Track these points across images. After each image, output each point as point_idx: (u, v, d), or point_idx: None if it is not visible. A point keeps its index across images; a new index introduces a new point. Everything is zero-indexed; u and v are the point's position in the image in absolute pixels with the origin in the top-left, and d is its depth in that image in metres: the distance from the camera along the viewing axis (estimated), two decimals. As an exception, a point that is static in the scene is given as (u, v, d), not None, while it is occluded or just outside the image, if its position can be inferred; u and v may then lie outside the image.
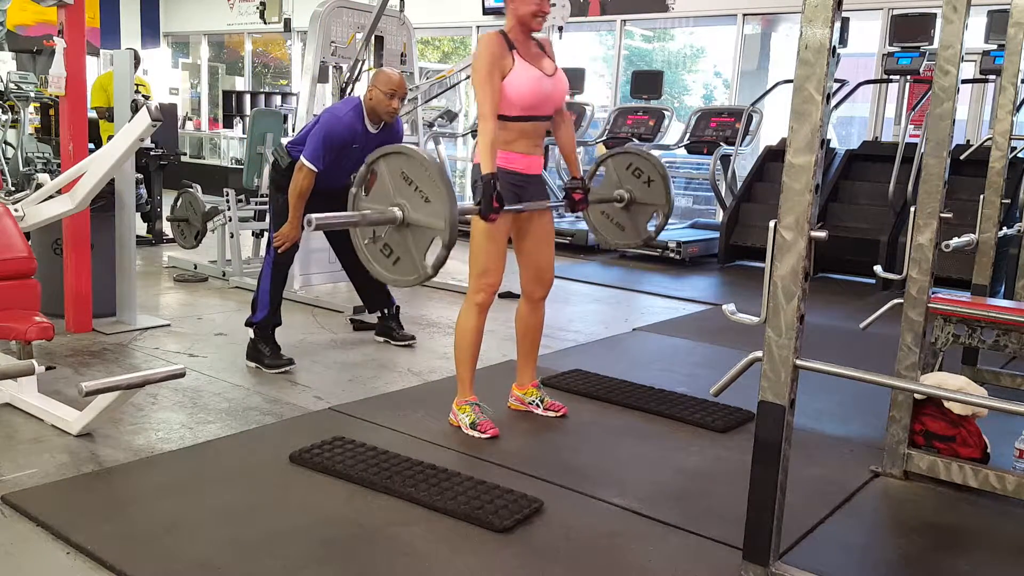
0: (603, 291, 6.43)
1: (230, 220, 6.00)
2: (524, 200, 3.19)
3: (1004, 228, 4.30)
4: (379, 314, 4.60)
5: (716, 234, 7.95)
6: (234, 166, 11.22)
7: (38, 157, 7.58)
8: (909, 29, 7.30)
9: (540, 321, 3.44)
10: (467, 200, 3.22)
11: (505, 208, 2.96)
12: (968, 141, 7.40)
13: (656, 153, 8.92)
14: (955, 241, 3.77)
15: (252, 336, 4.03)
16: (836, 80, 3.75)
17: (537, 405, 3.47)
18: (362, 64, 5.50)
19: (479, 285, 3.18)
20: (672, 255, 7.57)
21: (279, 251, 3.96)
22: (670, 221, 9.94)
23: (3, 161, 7.51)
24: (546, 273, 3.37)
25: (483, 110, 3.03)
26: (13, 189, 6.80)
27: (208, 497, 2.64)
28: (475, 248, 3.16)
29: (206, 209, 6.01)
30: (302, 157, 3.83)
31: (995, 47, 6.78)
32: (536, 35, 3.19)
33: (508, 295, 5.24)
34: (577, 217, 6.62)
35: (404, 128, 4.22)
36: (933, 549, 2.54)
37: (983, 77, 7.22)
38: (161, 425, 3.23)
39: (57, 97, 4.43)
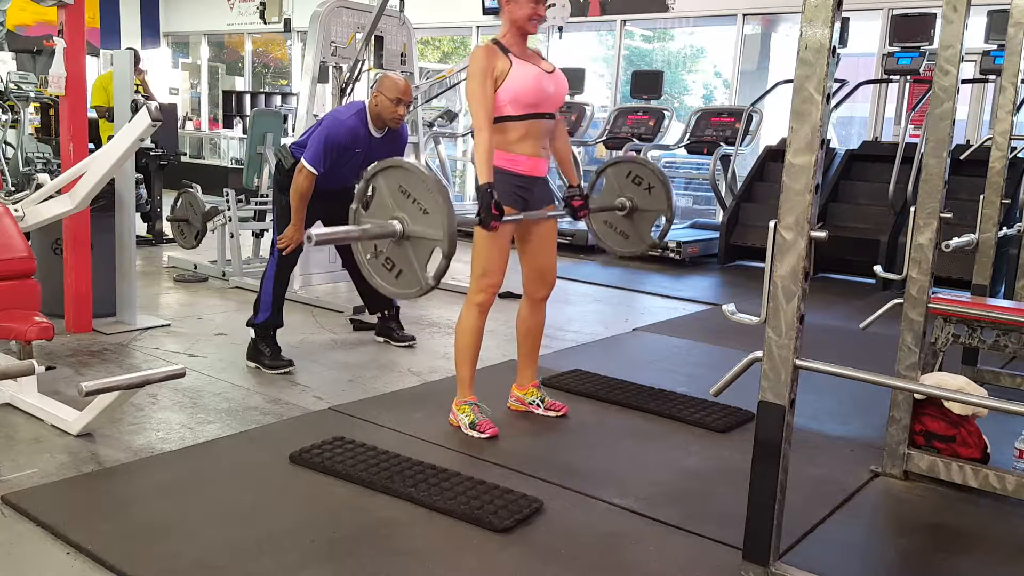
0: (603, 291, 6.43)
1: (230, 220, 6.00)
2: (529, 202, 3.21)
3: (1004, 228, 4.30)
4: (379, 314, 4.60)
5: (716, 234, 7.95)
6: (234, 166, 11.23)
7: (38, 157, 7.58)
8: (909, 29, 7.30)
9: (541, 322, 3.44)
10: (467, 200, 3.22)
11: (504, 219, 2.98)
12: (968, 141, 7.40)
13: (656, 153, 9.00)
14: (955, 241, 3.77)
15: (253, 336, 4.03)
16: (836, 80, 3.75)
17: (537, 405, 3.47)
18: (362, 64, 5.50)
19: (480, 285, 3.18)
20: (672, 255, 7.57)
21: (283, 253, 3.96)
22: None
23: (3, 161, 7.51)
24: (548, 274, 3.37)
25: (477, 121, 3.02)
26: (13, 189, 6.79)
27: (208, 497, 2.64)
28: (477, 249, 3.16)
29: (206, 209, 6.01)
30: (302, 159, 3.83)
31: (995, 47, 6.78)
32: (529, 46, 3.20)
33: (508, 295, 5.24)
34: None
35: (407, 128, 4.20)
36: (933, 549, 2.55)
37: (983, 77, 7.22)
38: (161, 425, 3.23)
39: (57, 97, 4.43)
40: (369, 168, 2.70)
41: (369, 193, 2.68)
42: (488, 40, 3.15)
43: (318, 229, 2.52)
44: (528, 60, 3.14)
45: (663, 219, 3.68)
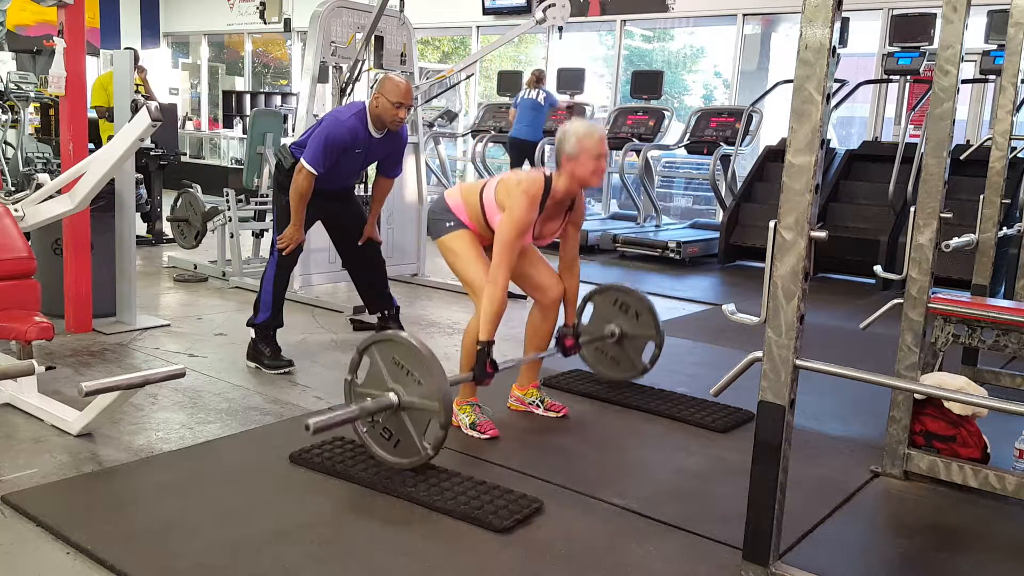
0: (603, 291, 6.42)
1: (230, 220, 6.00)
2: None
3: (1004, 228, 4.30)
4: (379, 314, 4.59)
5: (716, 234, 7.95)
6: (234, 166, 11.22)
7: (38, 157, 7.58)
8: (909, 29, 7.29)
9: (551, 327, 3.46)
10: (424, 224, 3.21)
11: (499, 369, 3.04)
12: (968, 141, 7.40)
13: (656, 153, 9.00)
14: (955, 241, 3.77)
15: (253, 336, 4.03)
16: (836, 80, 3.75)
17: (537, 405, 3.47)
18: (362, 64, 5.50)
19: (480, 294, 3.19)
20: (672, 255, 7.57)
21: (283, 253, 3.96)
22: (670, 221, 9.85)
23: (3, 161, 7.51)
24: (552, 290, 3.38)
25: (496, 275, 3.01)
26: (13, 189, 6.80)
27: (208, 497, 2.64)
28: (460, 270, 3.21)
29: (206, 209, 6.01)
30: (302, 159, 3.83)
31: (995, 47, 6.78)
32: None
33: (511, 296, 5.22)
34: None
35: (407, 129, 4.20)
36: (933, 549, 2.54)
37: (983, 77, 7.22)
38: (161, 425, 3.23)
39: (57, 97, 4.43)
40: (363, 341, 2.79)
41: (362, 363, 2.76)
42: (543, 175, 3.08)
43: (317, 418, 2.57)
44: (545, 219, 3.15)
45: (654, 345, 3.74)
